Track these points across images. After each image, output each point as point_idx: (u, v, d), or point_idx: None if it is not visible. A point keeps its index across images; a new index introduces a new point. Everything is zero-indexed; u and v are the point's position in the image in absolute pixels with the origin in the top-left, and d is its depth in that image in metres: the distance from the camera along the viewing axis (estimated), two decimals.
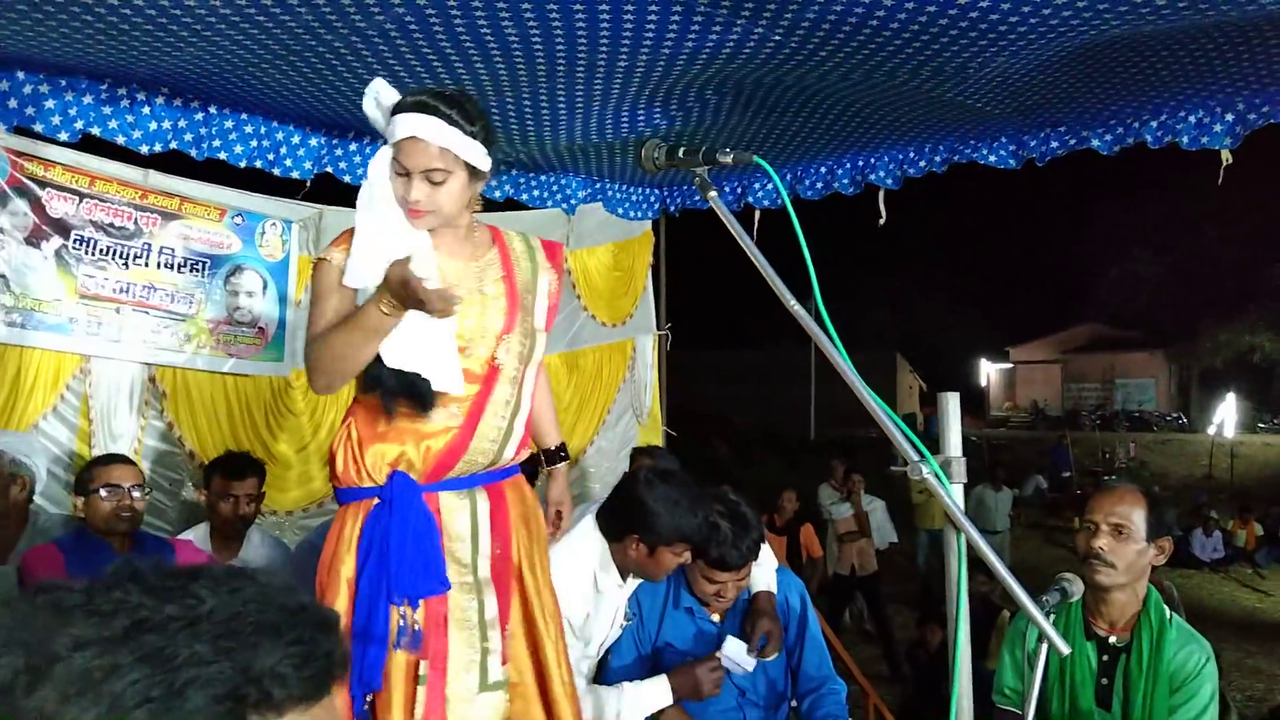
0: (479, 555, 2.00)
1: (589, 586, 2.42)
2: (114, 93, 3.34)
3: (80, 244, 3.62)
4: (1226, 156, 3.67)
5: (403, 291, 1.76)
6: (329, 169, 3.99)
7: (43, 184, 3.52)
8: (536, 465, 2.36)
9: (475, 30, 2.81)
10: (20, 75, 3.17)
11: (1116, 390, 35.85)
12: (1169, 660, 2.20)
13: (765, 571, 2.67)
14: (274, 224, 4.17)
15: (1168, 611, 2.27)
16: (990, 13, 2.67)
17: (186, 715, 0.64)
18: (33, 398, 3.53)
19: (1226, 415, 23.91)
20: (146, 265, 3.79)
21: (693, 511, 2.33)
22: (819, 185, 4.61)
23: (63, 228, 3.57)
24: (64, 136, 3.30)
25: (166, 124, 3.48)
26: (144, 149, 3.46)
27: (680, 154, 1.66)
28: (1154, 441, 26.25)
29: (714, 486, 2.66)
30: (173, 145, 3.52)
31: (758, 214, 4.93)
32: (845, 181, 4.54)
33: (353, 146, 4.02)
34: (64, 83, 3.24)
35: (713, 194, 1.61)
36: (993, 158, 4.13)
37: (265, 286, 4.16)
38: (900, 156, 4.36)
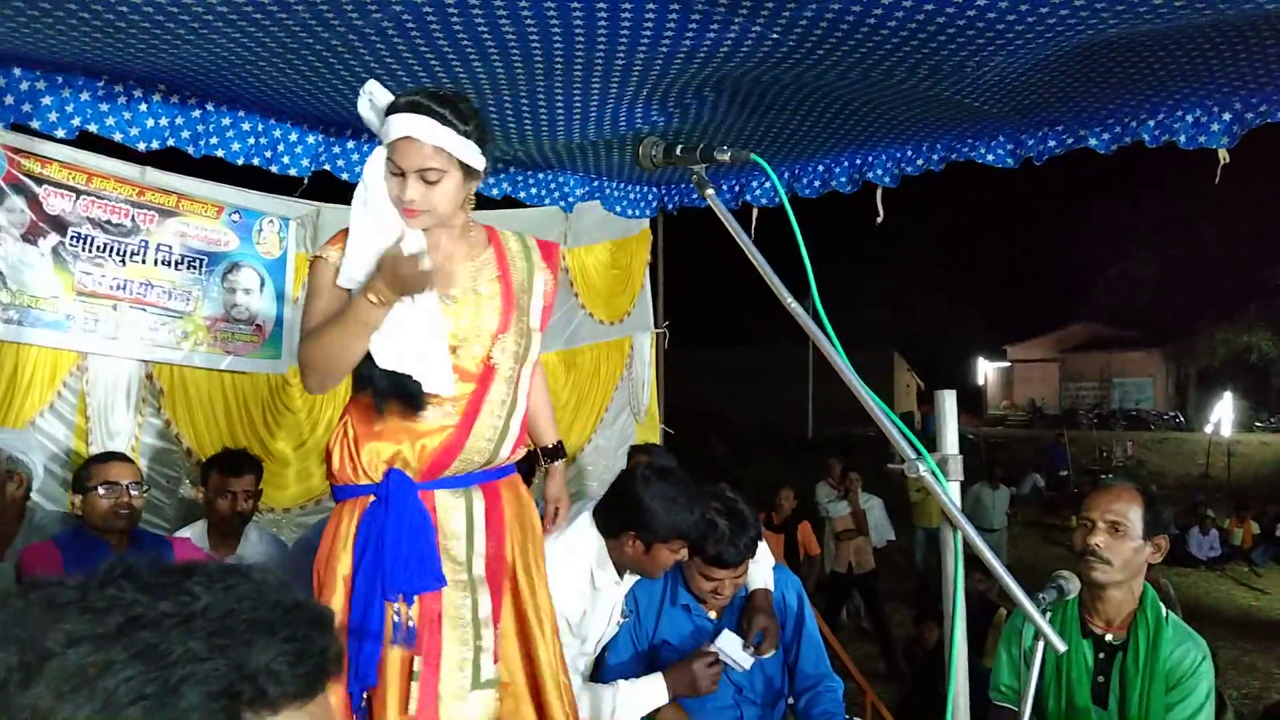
0: (474, 554, 2.00)
1: (586, 583, 2.42)
2: (111, 90, 3.33)
3: (77, 241, 3.61)
4: (1224, 156, 3.67)
5: (393, 270, 1.76)
6: (326, 166, 3.98)
7: (39, 181, 3.51)
8: (534, 463, 2.37)
9: (472, 28, 2.81)
10: (17, 72, 3.16)
11: (1114, 389, 35.92)
12: (1165, 658, 2.20)
13: (762, 569, 2.67)
14: (271, 221, 4.17)
15: (1164, 609, 2.28)
16: (988, 11, 2.67)
17: (181, 712, 0.64)
18: (29, 395, 3.52)
19: (1223, 414, 23.93)
20: (143, 262, 3.79)
21: (690, 509, 2.33)
22: (817, 183, 4.60)
23: (60, 224, 3.57)
24: (61, 133, 3.29)
25: (164, 121, 3.47)
26: (141, 146, 3.45)
27: (678, 152, 1.65)
28: (1151, 440, 26.34)
29: (711, 484, 2.66)
30: (170, 142, 3.51)
31: (755, 212, 4.91)
32: (843, 180, 4.53)
33: (350, 144, 4.02)
34: (61, 79, 3.23)
35: (710, 192, 1.61)
36: (990, 157, 4.13)
37: (262, 284, 4.15)
38: (898, 155, 4.36)
